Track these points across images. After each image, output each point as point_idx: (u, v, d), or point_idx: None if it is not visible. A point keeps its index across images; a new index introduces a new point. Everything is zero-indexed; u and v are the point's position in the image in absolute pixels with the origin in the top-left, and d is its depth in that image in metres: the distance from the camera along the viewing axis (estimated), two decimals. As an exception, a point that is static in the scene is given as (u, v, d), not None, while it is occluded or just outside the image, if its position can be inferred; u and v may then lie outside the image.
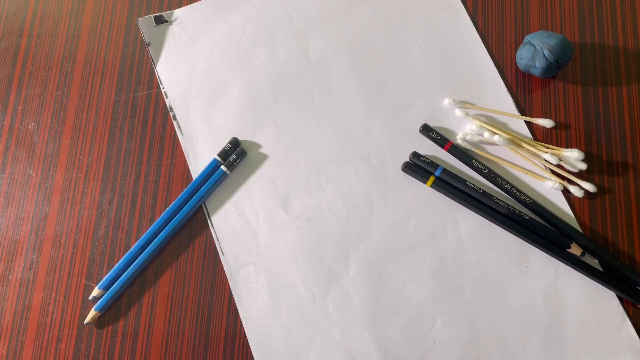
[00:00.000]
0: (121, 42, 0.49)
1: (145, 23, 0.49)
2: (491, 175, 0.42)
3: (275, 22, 0.49)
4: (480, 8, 0.48)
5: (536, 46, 0.43)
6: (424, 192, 0.43)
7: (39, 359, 0.41)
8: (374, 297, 0.40)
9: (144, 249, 0.43)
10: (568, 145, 0.44)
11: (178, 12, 0.50)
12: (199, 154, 0.45)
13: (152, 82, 0.48)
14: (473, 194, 0.42)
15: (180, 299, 0.42)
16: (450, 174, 0.42)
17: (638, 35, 0.46)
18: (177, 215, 0.43)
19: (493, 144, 0.43)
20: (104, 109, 0.47)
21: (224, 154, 0.44)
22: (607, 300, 0.40)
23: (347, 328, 0.40)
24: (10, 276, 0.43)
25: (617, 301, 0.40)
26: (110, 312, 0.42)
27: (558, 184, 0.42)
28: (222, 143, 0.45)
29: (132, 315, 0.42)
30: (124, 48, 0.49)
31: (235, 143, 0.45)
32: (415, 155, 0.43)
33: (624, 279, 0.40)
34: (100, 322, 0.42)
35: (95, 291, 0.42)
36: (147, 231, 0.43)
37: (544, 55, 0.42)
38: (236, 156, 0.44)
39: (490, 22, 0.48)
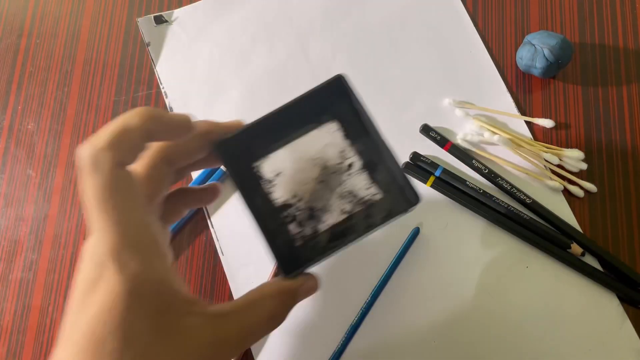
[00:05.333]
0: (121, 42, 0.49)
1: (145, 23, 0.49)
2: (491, 175, 0.42)
3: (275, 22, 0.49)
4: (480, 8, 0.48)
5: (536, 46, 0.43)
6: (424, 192, 0.43)
7: None
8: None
9: (144, 249, 0.42)
10: (568, 145, 0.44)
11: (178, 12, 0.50)
12: (199, 154, 0.45)
13: (152, 82, 0.48)
14: (473, 194, 0.42)
15: (180, 299, 0.42)
16: (451, 174, 0.42)
17: (638, 35, 0.46)
18: (177, 215, 0.43)
19: (493, 144, 0.43)
20: (104, 109, 0.47)
21: (224, 154, 0.44)
22: (607, 300, 0.40)
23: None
24: (10, 276, 0.43)
25: (617, 301, 0.40)
26: (110, 313, 0.42)
27: (558, 184, 0.42)
28: (222, 143, 0.45)
29: (132, 316, 0.42)
30: (123, 48, 0.49)
31: (235, 143, 0.45)
32: (415, 155, 0.43)
33: (624, 279, 0.40)
34: (100, 322, 0.42)
35: (95, 291, 0.42)
36: (147, 231, 0.43)
37: (544, 55, 0.42)
38: (236, 156, 0.44)
39: (490, 22, 0.48)
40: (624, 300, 0.40)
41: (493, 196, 0.42)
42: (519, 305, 0.40)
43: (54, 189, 0.45)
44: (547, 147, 0.43)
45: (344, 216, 0.30)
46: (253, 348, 0.40)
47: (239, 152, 0.30)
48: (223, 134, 0.29)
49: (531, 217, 0.41)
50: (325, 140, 0.31)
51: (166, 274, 0.25)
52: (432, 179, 0.42)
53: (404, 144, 0.44)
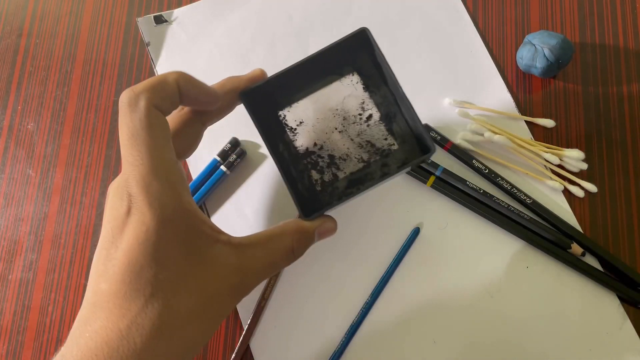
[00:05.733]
0: (121, 41, 0.49)
1: (144, 23, 0.49)
2: (491, 175, 0.42)
3: (275, 22, 0.49)
4: (480, 8, 0.48)
5: (537, 46, 0.43)
6: (424, 192, 0.43)
7: None
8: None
9: (144, 249, 0.42)
10: (568, 145, 0.44)
11: (178, 12, 0.50)
12: (199, 154, 0.45)
13: (151, 82, 0.48)
14: (473, 194, 0.42)
15: (180, 299, 0.42)
16: (451, 173, 0.42)
17: (638, 35, 0.46)
18: (177, 215, 0.43)
19: (493, 143, 0.43)
20: (103, 108, 0.47)
21: (224, 154, 0.44)
22: (607, 300, 0.40)
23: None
24: (10, 276, 0.43)
25: (617, 301, 0.40)
26: (110, 313, 0.42)
27: (559, 184, 0.42)
28: (222, 143, 0.45)
29: (131, 316, 0.42)
30: (123, 48, 0.49)
31: (235, 143, 0.45)
32: (415, 155, 0.43)
33: (624, 279, 0.40)
34: (100, 322, 0.42)
35: (95, 291, 0.42)
36: (147, 231, 0.43)
37: (545, 55, 0.42)
38: (236, 156, 0.44)
39: (490, 22, 0.48)
40: (624, 300, 0.40)
41: (493, 196, 0.42)
42: (519, 305, 0.40)
43: (54, 188, 0.45)
44: (548, 147, 0.43)
45: (361, 165, 0.32)
46: (253, 348, 0.40)
47: (264, 101, 0.32)
48: (249, 85, 0.32)
49: (531, 217, 0.41)
50: (347, 91, 0.32)
51: (193, 205, 0.27)
52: (432, 178, 0.42)
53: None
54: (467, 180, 0.42)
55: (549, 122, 0.44)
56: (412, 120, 0.31)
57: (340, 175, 0.32)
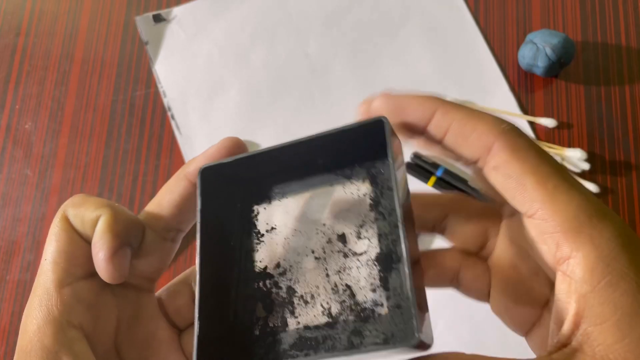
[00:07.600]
0: (119, 40, 0.49)
1: (143, 21, 0.49)
2: (493, 175, 0.42)
3: (275, 21, 0.48)
4: (482, 7, 0.48)
5: (538, 45, 0.42)
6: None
7: (37, 361, 0.41)
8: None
9: (143, 250, 0.42)
10: (570, 145, 0.43)
11: (177, 11, 0.49)
12: (198, 154, 0.45)
13: (150, 81, 0.47)
14: (475, 194, 0.42)
15: (179, 300, 0.42)
16: (452, 174, 0.42)
17: (641, 33, 0.46)
18: (176, 215, 0.43)
19: (495, 143, 0.43)
20: (101, 108, 0.47)
21: (223, 154, 0.44)
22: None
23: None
24: (8, 277, 0.43)
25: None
26: (109, 314, 0.42)
27: (560, 184, 0.42)
28: (221, 143, 0.45)
29: (130, 317, 0.41)
30: (122, 47, 0.49)
31: (234, 143, 0.44)
32: (416, 155, 0.43)
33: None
34: (98, 323, 0.41)
35: (93, 292, 0.42)
36: (146, 232, 0.43)
37: (546, 54, 0.42)
38: (235, 156, 0.44)
39: (492, 21, 0.47)
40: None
41: (494, 196, 0.41)
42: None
43: (52, 188, 0.45)
44: (549, 147, 0.43)
45: (324, 319, 0.21)
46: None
47: (232, 186, 0.23)
48: (211, 161, 0.23)
49: (533, 218, 0.41)
50: (347, 203, 0.22)
51: (58, 345, 0.20)
52: (433, 179, 0.42)
53: (404, 144, 0.44)
54: (468, 181, 0.42)
55: (550, 122, 0.43)
56: (414, 284, 0.20)
57: (292, 323, 0.21)
